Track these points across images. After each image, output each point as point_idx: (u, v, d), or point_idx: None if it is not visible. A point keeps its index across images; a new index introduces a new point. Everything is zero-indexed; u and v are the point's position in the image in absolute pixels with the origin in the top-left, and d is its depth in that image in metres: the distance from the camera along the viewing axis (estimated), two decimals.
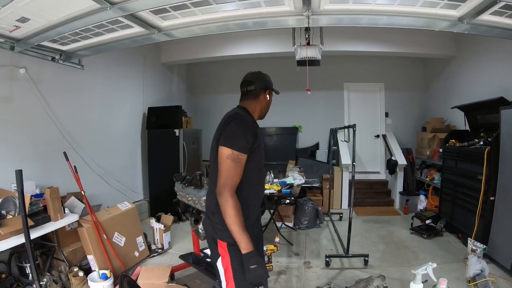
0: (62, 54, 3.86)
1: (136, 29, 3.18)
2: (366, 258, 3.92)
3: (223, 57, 6.42)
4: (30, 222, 2.89)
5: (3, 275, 3.14)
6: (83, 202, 3.68)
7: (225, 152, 1.74)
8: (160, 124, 5.99)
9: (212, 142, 1.89)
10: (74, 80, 4.44)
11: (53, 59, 3.85)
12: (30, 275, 3.21)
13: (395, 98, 7.58)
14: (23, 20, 2.86)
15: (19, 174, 2.62)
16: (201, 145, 6.60)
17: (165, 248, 4.38)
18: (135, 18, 2.87)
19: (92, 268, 3.52)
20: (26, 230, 2.71)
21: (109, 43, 3.51)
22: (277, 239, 3.95)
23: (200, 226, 3.13)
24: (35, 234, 2.95)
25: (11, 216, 2.94)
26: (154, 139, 6.03)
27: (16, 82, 3.71)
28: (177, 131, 5.81)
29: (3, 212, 2.96)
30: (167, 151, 5.86)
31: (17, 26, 3.00)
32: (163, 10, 2.81)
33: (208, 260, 3.47)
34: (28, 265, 3.20)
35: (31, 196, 3.17)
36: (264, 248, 3.73)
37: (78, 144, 4.40)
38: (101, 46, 3.61)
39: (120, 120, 5.56)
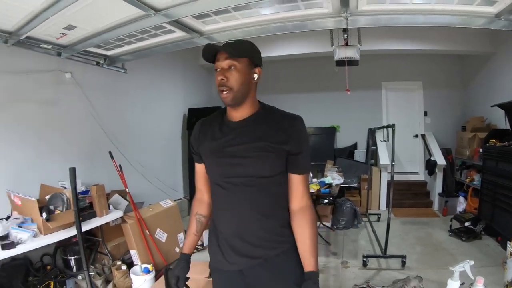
0: (106, 59, 4.10)
1: (179, 34, 3.34)
2: (404, 260, 3.93)
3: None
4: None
5: (49, 267, 3.38)
6: (126, 200, 3.91)
7: None
8: None
9: None
10: (117, 83, 4.71)
11: (97, 63, 4.10)
12: (74, 267, 3.51)
13: (433, 96, 7.45)
14: (70, 27, 3.06)
15: (72, 171, 2.82)
16: None
17: (204, 245, 4.52)
18: (178, 24, 3.02)
19: (135, 262, 3.74)
20: (78, 224, 2.93)
21: (152, 47, 3.69)
22: None
23: None
24: (83, 227, 3.16)
25: (59, 212, 3.17)
26: None
27: (62, 85, 3.98)
28: None
29: (51, 207, 3.18)
30: None
31: (63, 34, 3.21)
32: (205, 15, 2.94)
33: None
34: (72, 257, 3.49)
35: (78, 193, 3.38)
36: None
37: (121, 144, 4.63)
38: (144, 50, 3.80)
39: (161, 121, 5.81)
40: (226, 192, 1.52)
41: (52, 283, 3.22)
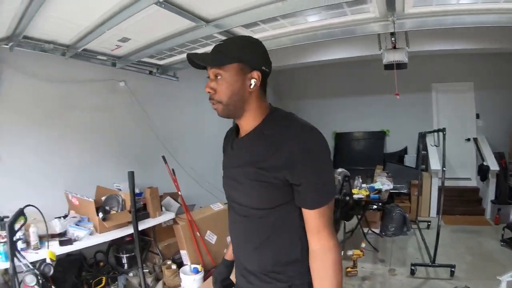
0: (159, 68, 4.31)
1: None
2: (453, 269, 3.82)
3: (308, 63, 6.47)
4: (130, 218, 3.30)
5: (102, 263, 3.61)
6: (178, 202, 4.09)
7: None
8: None
9: None
10: (168, 90, 4.94)
11: (150, 72, 4.33)
12: (126, 265, 3.72)
13: (485, 97, 7.08)
14: (124, 40, 3.26)
15: (131, 175, 3.03)
16: None
17: None
18: (228, 33, 3.12)
19: (184, 262, 3.88)
20: (135, 225, 3.14)
21: None
22: (363, 245, 4.03)
23: None
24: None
25: (114, 212, 3.39)
26: None
27: (117, 94, 4.26)
28: None
29: (107, 208, 3.40)
30: None
31: (118, 46, 3.43)
32: (254, 23, 3.02)
33: None
34: (124, 255, 3.70)
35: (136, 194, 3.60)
36: (350, 253, 3.85)
37: (173, 148, 4.80)
38: None
39: (210, 126, 5.91)
40: (231, 213, 1.40)
41: (104, 278, 3.43)
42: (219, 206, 4.43)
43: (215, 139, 5.93)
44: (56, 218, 3.16)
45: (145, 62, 4.12)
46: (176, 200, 4.15)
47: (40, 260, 2.55)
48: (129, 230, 3.31)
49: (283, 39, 3.36)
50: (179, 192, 4.03)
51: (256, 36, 3.32)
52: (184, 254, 3.90)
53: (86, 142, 3.95)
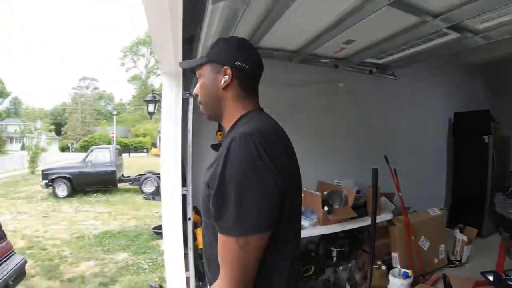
0: (378, 67, 4.39)
1: (452, 36, 3.21)
2: None
3: None
4: (353, 214, 3.56)
5: (312, 253, 3.89)
6: (393, 203, 4.13)
7: None
8: (466, 130, 5.83)
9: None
10: (387, 90, 4.97)
11: (370, 72, 4.44)
12: (334, 258, 3.88)
13: None
14: (349, 42, 3.41)
15: (375, 172, 3.31)
16: (510, 154, 5.95)
17: (462, 261, 4.30)
18: (457, 26, 2.94)
19: (394, 265, 3.86)
20: (374, 221, 3.37)
21: (423, 52, 3.68)
22: None
23: None
24: (355, 224, 3.64)
25: (337, 207, 3.63)
26: (459, 146, 5.95)
27: (337, 95, 4.53)
28: (486, 138, 5.47)
29: (330, 202, 3.65)
30: (473, 159, 5.60)
31: (341, 48, 3.62)
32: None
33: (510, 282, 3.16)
34: (335, 249, 3.87)
35: (356, 191, 3.83)
36: None
37: (389, 148, 4.72)
38: (416, 56, 3.82)
39: (425, 127, 5.78)
40: None
41: (313, 267, 3.72)
42: (435, 212, 4.27)
43: (428, 140, 5.81)
44: None
45: (365, 62, 4.23)
46: (391, 200, 4.18)
47: None
48: (348, 225, 3.59)
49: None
50: (399, 193, 4.05)
51: (483, 25, 3.01)
52: (395, 256, 3.90)
53: (310, 140, 4.30)
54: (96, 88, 75.17)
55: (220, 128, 3.83)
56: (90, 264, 5.29)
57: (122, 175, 13.50)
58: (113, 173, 12.03)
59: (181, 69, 3.01)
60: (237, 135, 1.03)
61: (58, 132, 44.33)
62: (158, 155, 35.76)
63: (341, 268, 3.80)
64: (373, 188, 3.30)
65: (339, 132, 4.60)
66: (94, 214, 9.02)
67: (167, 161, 3.20)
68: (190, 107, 3.40)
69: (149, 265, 5.08)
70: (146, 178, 12.34)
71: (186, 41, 2.52)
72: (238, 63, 1.22)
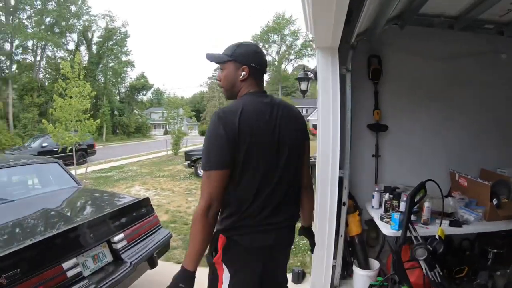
0: None
1: None
2: None
3: None
4: None
5: (467, 252, 3.49)
6: None
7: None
8: None
9: (287, 133, 1.78)
10: None
11: None
12: (490, 260, 3.31)
13: None
14: None
15: None
16: None
17: None
18: None
19: None
20: None
21: None
22: None
23: None
24: None
25: (505, 200, 3.08)
26: None
27: (498, 67, 3.86)
28: None
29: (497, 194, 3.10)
30: None
31: (508, 10, 3.07)
32: None
33: None
34: (492, 250, 3.28)
35: None
36: None
37: None
38: None
39: None
40: None
41: (467, 268, 3.29)
42: None
43: None
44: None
45: None
46: None
47: (430, 236, 2.60)
48: None
49: None
50: None
51: None
52: None
53: (468, 120, 3.87)
54: None
55: (377, 106, 3.74)
56: None
57: None
58: None
59: (337, 43, 2.95)
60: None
61: (198, 118, 48.14)
62: None
63: (498, 273, 3.23)
64: None
65: (506, 113, 3.90)
66: None
67: (325, 140, 3.10)
68: (348, 83, 3.29)
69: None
70: None
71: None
72: (253, 64, 1.79)
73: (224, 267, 1.75)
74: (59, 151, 12.67)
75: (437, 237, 2.51)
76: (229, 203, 1.70)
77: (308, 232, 2.26)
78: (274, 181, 1.73)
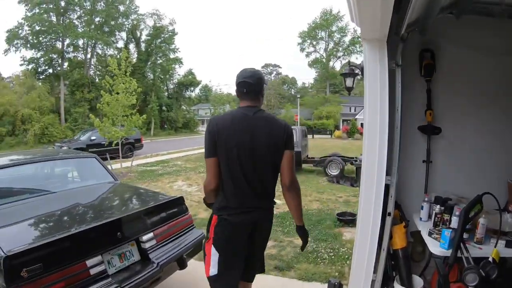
0: None
1: None
2: None
3: None
4: None
5: None
6: None
7: (292, 154, 2.44)
8: None
9: (260, 140, 2.34)
10: None
11: None
12: None
13: None
14: None
15: None
16: None
17: None
18: None
19: None
20: None
21: None
22: None
23: None
24: None
25: None
26: None
27: None
28: None
29: None
30: None
31: None
32: None
33: None
34: None
35: None
36: None
37: None
38: None
39: None
40: None
41: None
42: None
43: None
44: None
45: None
46: None
47: (483, 258, 2.33)
48: None
49: None
50: None
51: None
52: None
53: None
54: (278, 74, 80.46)
55: (430, 106, 3.40)
56: (268, 244, 5.16)
57: (307, 156, 13.71)
58: (298, 153, 12.08)
59: (385, 35, 2.64)
60: None
61: None
62: (341, 138, 36.81)
63: None
64: None
65: None
66: (277, 194, 9.06)
67: (371, 143, 2.78)
68: (398, 79, 2.91)
69: (329, 255, 4.70)
70: (331, 161, 12.10)
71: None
72: (237, 88, 2.45)
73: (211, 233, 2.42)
74: (106, 145, 13.02)
75: (490, 259, 2.25)
76: (222, 188, 2.38)
77: (299, 230, 2.63)
78: (249, 173, 2.32)
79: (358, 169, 5.29)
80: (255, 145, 2.30)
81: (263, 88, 2.49)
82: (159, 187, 9.98)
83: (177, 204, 3.70)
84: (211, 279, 2.39)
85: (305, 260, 4.56)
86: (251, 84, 2.39)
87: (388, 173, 2.81)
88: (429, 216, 3.12)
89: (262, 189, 2.41)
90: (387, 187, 2.87)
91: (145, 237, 3.12)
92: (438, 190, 3.32)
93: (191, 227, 3.75)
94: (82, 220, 3.15)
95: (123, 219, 3.03)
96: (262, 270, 2.87)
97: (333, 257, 4.59)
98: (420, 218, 3.18)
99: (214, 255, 2.34)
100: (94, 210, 3.52)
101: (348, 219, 6.03)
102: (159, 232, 3.29)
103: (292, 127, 14.70)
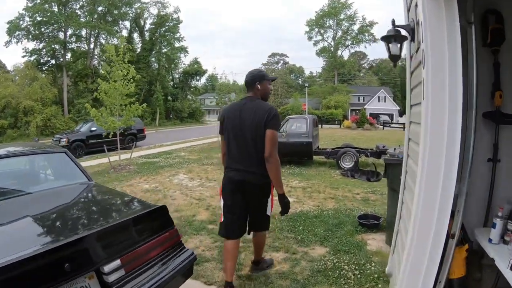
0: None
1: None
2: None
3: None
4: None
5: None
6: None
7: (275, 133, 3.14)
8: None
9: (245, 122, 3.24)
10: None
11: None
12: None
13: None
14: None
15: None
16: None
17: None
18: None
19: None
20: None
21: None
22: None
23: None
24: None
25: None
26: None
27: None
28: None
29: None
30: None
31: None
32: None
33: None
34: None
35: None
36: None
37: None
38: None
39: None
40: None
41: None
42: None
43: None
44: None
45: None
46: None
47: None
48: None
49: None
50: None
51: None
52: None
53: None
54: (286, 63, 79.65)
55: (498, 86, 2.49)
56: (278, 256, 4.20)
57: (318, 147, 12.76)
58: (309, 144, 11.21)
59: None
60: None
61: None
62: (350, 128, 36.18)
63: None
64: None
65: None
66: (287, 189, 8.00)
67: (434, 134, 1.93)
68: (473, 45, 2.05)
69: (354, 274, 3.70)
70: (344, 152, 11.13)
71: None
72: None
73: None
74: (105, 136, 12.29)
75: None
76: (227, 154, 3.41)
77: (279, 198, 3.34)
78: (239, 146, 3.27)
79: (390, 165, 4.29)
80: (242, 125, 3.24)
81: (255, 82, 3.38)
82: (158, 181, 9.23)
83: (158, 216, 2.82)
84: (221, 224, 3.43)
85: (325, 281, 3.61)
86: (246, 81, 3.45)
87: (458, 179, 1.91)
88: (502, 238, 2.27)
89: (248, 157, 3.24)
90: (455, 199, 1.98)
91: (108, 266, 2.24)
92: (509, 198, 2.44)
93: (178, 247, 2.86)
94: (20, 244, 2.19)
95: (79, 241, 2.14)
96: (265, 228, 3.62)
97: (359, 276, 3.67)
98: (490, 240, 2.31)
99: (221, 201, 3.41)
100: (43, 226, 2.61)
101: (371, 224, 5.10)
102: (130, 257, 2.40)
103: (302, 116, 13.71)
